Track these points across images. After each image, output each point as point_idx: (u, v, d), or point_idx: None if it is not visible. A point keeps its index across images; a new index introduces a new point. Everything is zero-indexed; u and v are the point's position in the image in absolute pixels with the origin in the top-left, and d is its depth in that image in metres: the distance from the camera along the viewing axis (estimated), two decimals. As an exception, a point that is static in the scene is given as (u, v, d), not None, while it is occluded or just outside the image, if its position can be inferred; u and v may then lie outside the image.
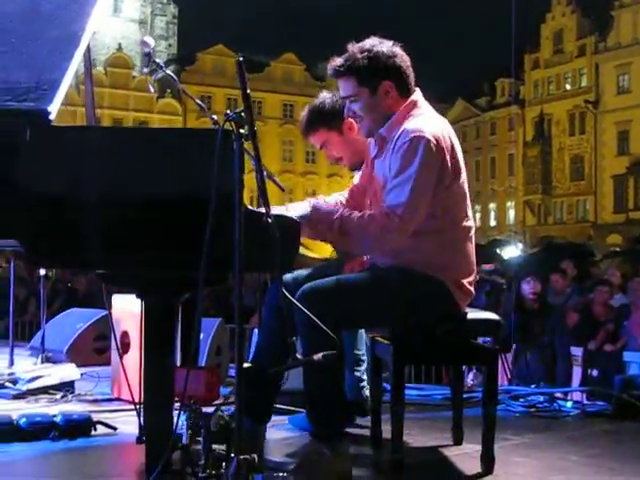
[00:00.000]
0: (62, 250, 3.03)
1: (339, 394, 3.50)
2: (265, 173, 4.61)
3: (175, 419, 3.04)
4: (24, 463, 3.76)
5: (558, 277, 10.96)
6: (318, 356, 3.05)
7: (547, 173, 61.75)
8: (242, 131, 2.85)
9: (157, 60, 4.06)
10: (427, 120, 3.52)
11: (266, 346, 3.81)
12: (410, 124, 3.48)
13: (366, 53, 3.52)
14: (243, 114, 2.86)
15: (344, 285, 3.50)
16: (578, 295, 10.85)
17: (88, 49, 3.82)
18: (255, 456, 2.92)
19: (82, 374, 6.01)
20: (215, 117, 3.88)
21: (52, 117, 3.01)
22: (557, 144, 61.70)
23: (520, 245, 56.87)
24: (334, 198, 4.02)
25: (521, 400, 5.22)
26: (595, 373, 9.29)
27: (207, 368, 3.13)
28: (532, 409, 5.05)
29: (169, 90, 56.68)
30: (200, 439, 3.10)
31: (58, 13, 3.58)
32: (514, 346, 8.83)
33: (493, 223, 67.09)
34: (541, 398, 5.24)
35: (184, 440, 3.09)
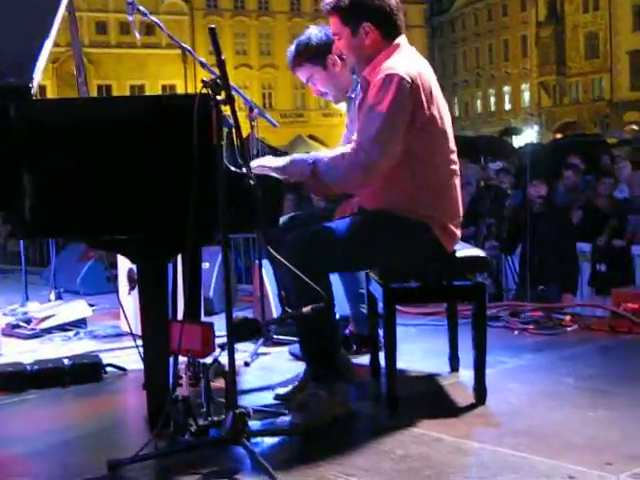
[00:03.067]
0: (50, 220, 3.13)
1: (332, 338, 3.60)
2: (257, 111, 4.71)
3: (174, 372, 3.19)
4: (38, 412, 3.92)
5: (571, 173, 10.94)
6: (307, 309, 3.16)
7: (561, 53, 60.79)
8: (219, 97, 2.92)
9: (140, 8, 4.08)
10: (404, 60, 3.54)
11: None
12: (388, 64, 3.52)
13: None
14: (219, 80, 2.92)
15: (329, 232, 3.56)
16: (588, 190, 10.87)
17: (72, 7, 3.84)
18: (250, 410, 3.07)
19: (93, 306, 6.18)
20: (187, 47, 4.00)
21: (33, 92, 3.06)
22: (571, 22, 60.51)
23: (536, 127, 56.63)
24: (339, 150, 4.06)
25: (521, 316, 5.32)
26: (603, 268, 9.40)
27: (202, 323, 3.23)
28: (531, 326, 5.13)
29: (174, -10, 55.88)
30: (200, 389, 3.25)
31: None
32: (520, 248, 8.93)
33: (508, 106, 66.48)
34: (540, 313, 5.32)
35: (184, 392, 3.22)
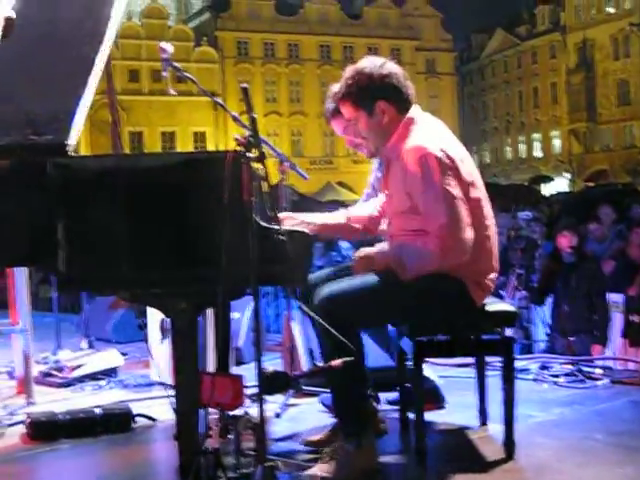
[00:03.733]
0: (84, 275, 3.19)
1: (362, 392, 3.62)
2: (288, 164, 4.76)
3: (204, 423, 3.22)
4: (70, 462, 3.96)
5: (595, 225, 10.93)
6: (337, 363, 3.18)
7: (592, 100, 60.77)
8: (251, 155, 2.98)
9: (175, 64, 4.17)
10: (428, 134, 3.57)
11: None
12: (412, 142, 3.55)
13: (357, 77, 3.61)
14: (251, 138, 2.98)
15: (361, 286, 3.58)
16: (619, 240, 10.81)
17: (108, 60, 3.93)
18: (279, 463, 3.09)
19: (125, 354, 6.24)
20: (219, 101, 4.03)
21: (70, 149, 3.14)
22: (601, 70, 60.58)
23: (567, 175, 56.52)
24: (365, 210, 4.08)
25: (550, 369, 5.31)
26: (636, 319, 9.31)
27: (232, 376, 3.27)
28: (560, 379, 5.12)
29: (205, 38, 56.52)
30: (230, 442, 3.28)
31: (73, 34, 3.69)
32: (551, 298, 8.90)
33: (538, 154, 66.41)
34: (570, 366, 5.31)
35: (214, 444, 3.24)
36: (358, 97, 3.62)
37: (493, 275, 3.70)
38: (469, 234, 3.46)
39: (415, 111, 3.69)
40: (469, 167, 3.60)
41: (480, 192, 3.63)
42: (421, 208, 3.51)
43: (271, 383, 3.22)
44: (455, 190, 3.45)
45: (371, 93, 3.61)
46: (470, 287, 3.59)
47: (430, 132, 3.61)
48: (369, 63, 3.64)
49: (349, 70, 3.66)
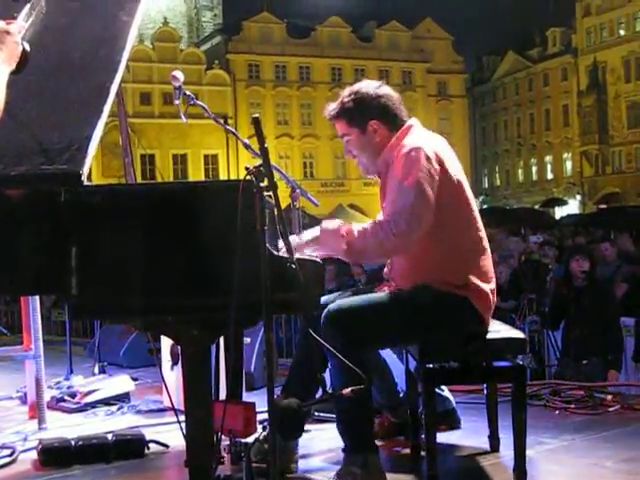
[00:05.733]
0: (96, 303, 3.22)
1: (368, 415, 3.65)
2: (299, 191, 4.80)
3: (216, 450, 3.23)
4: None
5: (607, 246, 10.93)
6: (347, 391, 3.19)
7: (603, 122, 60.83)
8: (262, 184, 3.01)
9: (187, 92, 4.21)
10: (423, 137, 3.73)
11: (295, 377, 3.98)
12: (407, 140, 3.70)
13: (352, 96, 3.78)
14: (262, 168, 3.01)
15: (369, 304, 3.69)
16: (629, 264, 10.81)
17: (120, 88, 3.98)
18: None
19: (136, 379, 6.26)
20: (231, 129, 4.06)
21: (84, 178, 3.17)
22: (613, 92, 60.69)
23: (578, 197, 56.42)
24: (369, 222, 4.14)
25: (562, 395, 5.30)
26: (649, 343, 9.28)
27: (244, 404, 3.29)
28: (572, 405, 5.11)
29: (217, 62, 56.81)
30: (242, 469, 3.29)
31: (87, 63, 3.73)
32: (562, 322, 8.88)
33: (550, 176, 66.39)
34: (582, 392, 5.31)
35: (226, 471, 3.26)
36: (352, 115, 3.77)
37: (492, 285, 3.74)
38: (418, 230, 3.53)
39: (414, 121, 3.84)
40: (460, 174, 3.71)
41: (470, 198, 3.75)
42: (390, 194, 3.65)
43: (283, 414, 3.23)
44: (431, 185, 3.53)
45: (364, 112, 3.76)
46: (475, 303, 3.64)
47: (426, 137, 3.74)
48: (365, 84, 3.83)
49: (346, 90, 3.83)
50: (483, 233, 3.77)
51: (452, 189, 3.63)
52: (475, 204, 3.81)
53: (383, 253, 3.71)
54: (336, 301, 3.71)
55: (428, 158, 3.56)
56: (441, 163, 3.59)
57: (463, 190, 3.70)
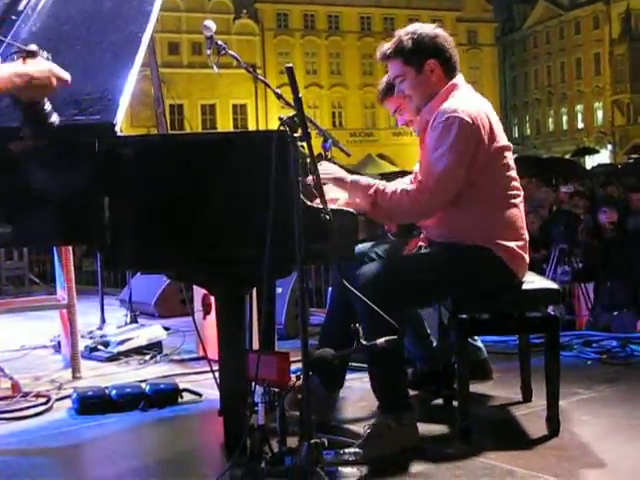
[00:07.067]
0: (132, 253, 3.23)
1: (401, 369, 3.65)
2: (330, 141, 4.77)
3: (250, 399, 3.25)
4: (117, 436, 4.03)
5: (638, 194, 10.82)
6: (380, 341, 3.19)
7: (636, 71, 59.92)
8: (296, 135, 2.99)
9: (219, 42, 4.18)
10: (463, 100, 3.65)
11: (331, 330, 4.00)
12: (446, 104, 3.62)
13: (410, 35, 3.71)
14: (296, 118, 2.99)
15: (400, 266, 3.69)
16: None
17: (152, 39, 3.96)
18: (325, 440, 3.12)
19: (168, 329, 6.31)
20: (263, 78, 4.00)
21: (117, 128, 3.17)
22: (645, 40, 59.78)
23: (609, 147, 55.85)
24: (396, 185, 4.12)
25: (593, 345, 5.29)
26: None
27: (278, 353, 3.30)
28: (604, 355, 5.10)
29: (245, 11, 56.41)
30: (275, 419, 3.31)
31: (119, 12, 3.72)
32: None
33: (580, 125, 65.73)
34: (614, 342, 5.29)
35: (260, 420, 3.28)
36: (409, 54, 3.70)
37: (523, 243, 3.71)
38: (445, 198, 3.56)
39: (459, 79, 3.78)
40: (499, 137, 3.65)
41: (509, 160, 3.71)
42: (424, 161, 3.65)
43: (315, 363, 3.25)
44: (465, 156, 3.52)
45: (422, 51, 3.70)
46: (505, 258, 3.62)
47: (468, 100, 3.67)
48: (422, 25, 3.78)
49: (401, 31, 3.77)
50: (518, 193, 3.73)
51: (488, 157, 3.59)
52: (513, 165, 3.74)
53: (408, 218, 3.80)
54: (369, 266, 3.67)
55: (464, 128, 3.50)
56: (477, 131, 3.54)
57: (503, 156, 3.66)
